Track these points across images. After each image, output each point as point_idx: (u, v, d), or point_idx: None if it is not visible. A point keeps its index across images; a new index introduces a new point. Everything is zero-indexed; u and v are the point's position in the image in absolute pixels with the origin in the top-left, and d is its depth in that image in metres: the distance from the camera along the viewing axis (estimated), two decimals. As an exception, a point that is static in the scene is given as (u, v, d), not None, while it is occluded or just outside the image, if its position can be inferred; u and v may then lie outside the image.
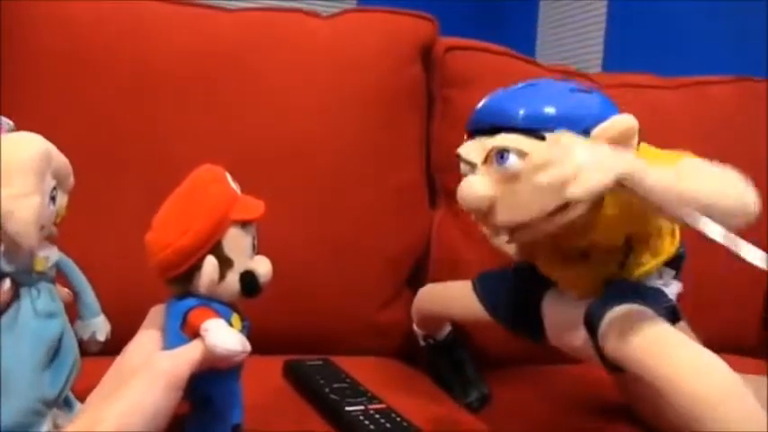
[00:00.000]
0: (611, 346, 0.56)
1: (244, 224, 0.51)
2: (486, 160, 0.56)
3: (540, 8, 2.83)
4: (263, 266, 0.52)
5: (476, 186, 0.56)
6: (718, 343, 0.59)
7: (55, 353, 0.54)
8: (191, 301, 0.50)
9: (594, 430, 0.74)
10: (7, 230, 0.48)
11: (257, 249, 0.53)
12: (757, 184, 0.52)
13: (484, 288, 0.75)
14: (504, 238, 0.59)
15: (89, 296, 0.59)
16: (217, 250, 0.50)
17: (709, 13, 1.92)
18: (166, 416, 0.46)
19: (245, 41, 0.92)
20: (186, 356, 0.47)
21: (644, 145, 0.61)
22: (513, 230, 0.57)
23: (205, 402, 0.51)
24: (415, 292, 0.86)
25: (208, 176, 0.53)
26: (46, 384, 0.52)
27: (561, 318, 0.67)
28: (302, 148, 0.90)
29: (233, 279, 0.51)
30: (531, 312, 0.70)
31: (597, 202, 0.56)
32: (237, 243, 0.51)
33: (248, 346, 0.49)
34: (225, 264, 0.50)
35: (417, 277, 0.97)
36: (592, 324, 0.59)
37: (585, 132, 0.55)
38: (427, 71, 1.01)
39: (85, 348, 0.58)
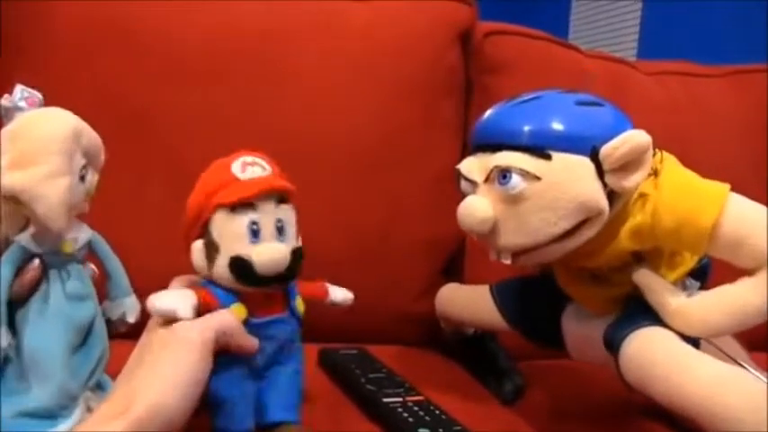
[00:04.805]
0: (633, 375, 0.55)
1: (233, 208, 0.49)
2: (487, 179, 0.55)
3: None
4: (262, 254, 0.49)
5: (477, 208, 0.54)
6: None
7: (86, 335, 0.54)
8: (202, 282, 0.51)
9: (632, 424, 0.72)
10: (36, 212, 0.47)
11: (289, 235, 0.52)
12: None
13: (502, 296, 0.73)
14: (507, 260, 0.57)
15: (120, 276, 0.58)
16: (205, 234, 0.50)
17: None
18: (202, 385, 0.46)
19: (280, 24, 0.91)
20: (208, 322, 0.48)
21: (670, 161, 0.58)
22: (517, 253, 0.56)
23: (218, 404, 0.51)
24: (452, 281, 0.85)
25: (218, 162, 0.53)
26: (76, 366, 0.53)
27: (581, 334, 0.65)
28: (337, 134, 0.89)
29: (221, 264, 0.50)
30: (552, 323, 0.68)
31: (607, 228, 0.55)
32: (225, 227, 0.49)
33: (185, 313, 0.48)
34: (211, 248, 0.50)
35: (454, 266, 0.96)
36: (611, 346, 0.57)
37: (594, 151, 0.53)
38: (465, 56, 0.99)
39: (113, 329, 0.58)
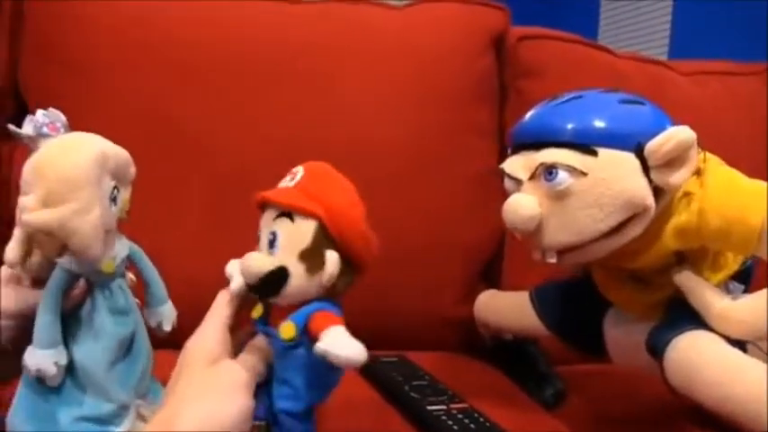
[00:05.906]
0: (679, 379, 0.55)
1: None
2: (532, 176, 0.54)
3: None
4: (243, 260, 0.48)
5: (523, 205, 0.54)
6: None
7: (129, 346, 0.55)
8: None
9: (677, 429, 0.72)
10: (71, 246, 0.48)
11: (279, 251, 0.48)
12: None
13: (542, 301, 0.73)
14: (552, 259, 0.56)
15: (157, 285, 0.59)
16: None
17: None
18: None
19: (315, 32, 0.92)
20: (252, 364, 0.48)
21: (713, 161, 0.58)
22: (563, 251, 0.55)
23: None
24: (490, 286, 0.84)
25: None
26: (123, 377, 0.53)
27: (623, 339, 0.65)
28: (373, 140, 0.89)
29: None
30: (592, 328, 0.68)
31: (652, 227, 0.54)
32: None
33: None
34: None
35: (492, 272, 0.96)
36: (655, 350, 0.57)
37: (639, 147, 0.52)
38: (499, 61, 0.99)
39: (154, 334, 0.58)
